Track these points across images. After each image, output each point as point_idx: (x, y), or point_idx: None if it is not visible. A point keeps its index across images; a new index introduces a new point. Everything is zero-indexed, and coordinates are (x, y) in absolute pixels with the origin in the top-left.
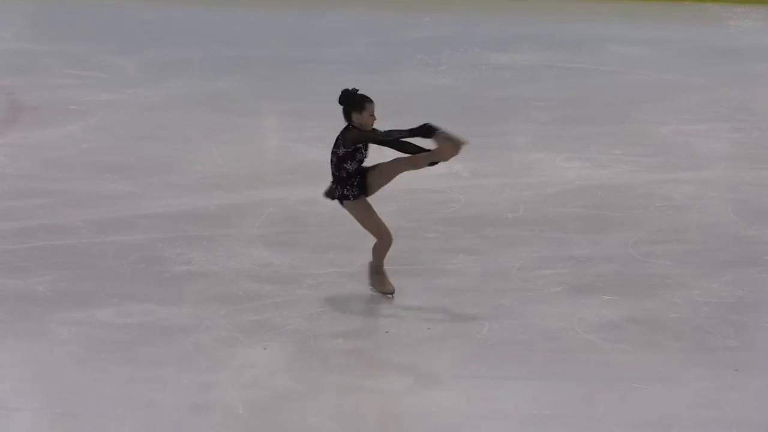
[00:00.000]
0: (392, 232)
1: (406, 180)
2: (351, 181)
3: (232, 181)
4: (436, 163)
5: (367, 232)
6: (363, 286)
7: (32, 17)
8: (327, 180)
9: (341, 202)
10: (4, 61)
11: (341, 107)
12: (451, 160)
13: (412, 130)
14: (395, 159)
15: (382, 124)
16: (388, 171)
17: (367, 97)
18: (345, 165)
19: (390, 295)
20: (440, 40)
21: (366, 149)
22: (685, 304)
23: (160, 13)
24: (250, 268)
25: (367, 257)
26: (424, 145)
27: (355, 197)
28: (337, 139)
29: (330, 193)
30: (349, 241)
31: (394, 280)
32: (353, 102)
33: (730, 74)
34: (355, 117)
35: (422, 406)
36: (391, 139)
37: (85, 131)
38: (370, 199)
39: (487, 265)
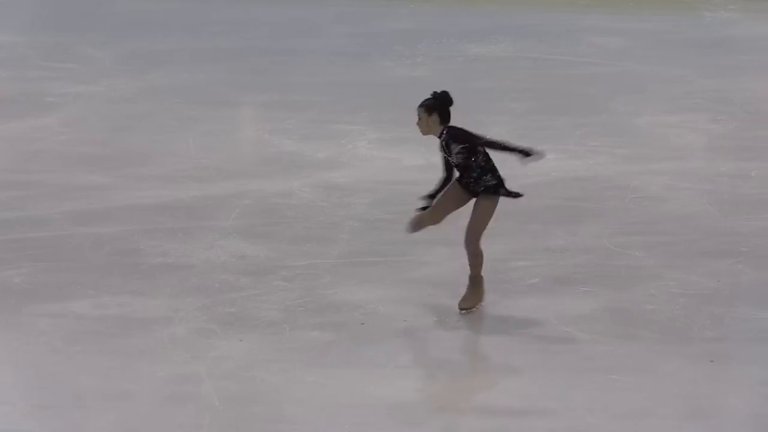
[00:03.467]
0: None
1: (383, 170)
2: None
3: (208, 173)
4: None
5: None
6: (338, 278)
7: (7, 9)
8: (302, 171)
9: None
10: None
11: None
12: None
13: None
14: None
15: (359, 115)
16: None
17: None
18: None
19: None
20: (417, 32)
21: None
22: (661, 295)
23: (136, 4)
24: (226, 260)
25: (342, 248)
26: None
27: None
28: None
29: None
30: (325, 233)
31: (371, 271)
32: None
33: (707, 65)
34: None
35: (398, 397)
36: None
37: (61, 123)
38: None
39: (463, 257)
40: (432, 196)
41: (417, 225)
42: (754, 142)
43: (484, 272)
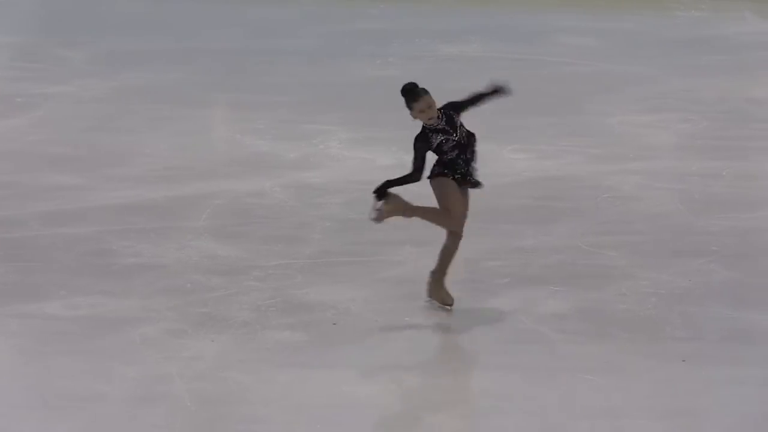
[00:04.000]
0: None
1: (355, 170)
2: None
3: (180, 173)
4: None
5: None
6: (310, 278)
7: None
8: (274, 171)
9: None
10: None
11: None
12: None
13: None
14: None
15: (330, 115)
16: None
17: (415, 93)
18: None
19: (449, 307)
20: (388, 32)
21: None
22: (633, 294)
23: (107, 4)
24: (198, 261)
25: (314, 248)
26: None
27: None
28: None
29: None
30: (297, 233)
31: (343, 271)
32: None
33: (678, 65)
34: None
35: (371, 397)
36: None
37: (32, 123)
38: None
39: (434, 257)
40: (385, 187)
41: (387, 214)
42: (725, 142)
43: (454, 270)
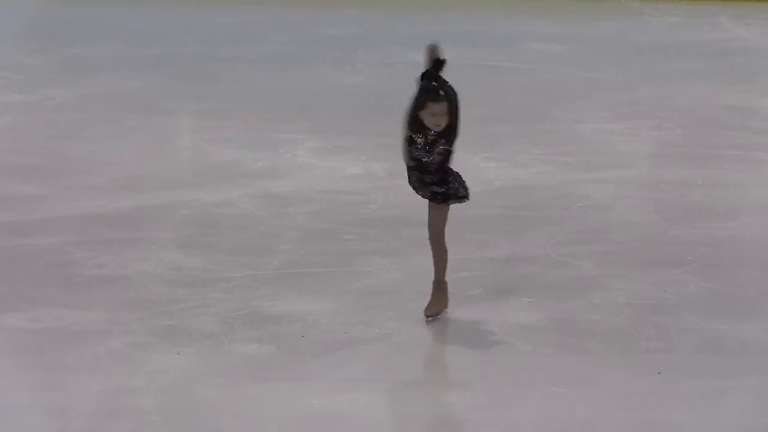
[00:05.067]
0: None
1: (323, 180)
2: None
3: (144, 183)
4: None
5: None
6: (278, 290)
7: None
8: (241, 180)
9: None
10: None
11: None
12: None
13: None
14: None
15: (298, 123)
16: None
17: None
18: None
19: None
20: (356, 38)
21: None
22: (606, 305)
23: (71, 11)
24: (163, 272)
25: (282, 258)
26: None
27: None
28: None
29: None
30: (264, 243)
31: (312, 282)
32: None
33: (652, 71)
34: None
35: (338, 410)
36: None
37: None
38: None
39: (404, 268)
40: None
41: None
42: (700, 150)
43: (424, 281)
